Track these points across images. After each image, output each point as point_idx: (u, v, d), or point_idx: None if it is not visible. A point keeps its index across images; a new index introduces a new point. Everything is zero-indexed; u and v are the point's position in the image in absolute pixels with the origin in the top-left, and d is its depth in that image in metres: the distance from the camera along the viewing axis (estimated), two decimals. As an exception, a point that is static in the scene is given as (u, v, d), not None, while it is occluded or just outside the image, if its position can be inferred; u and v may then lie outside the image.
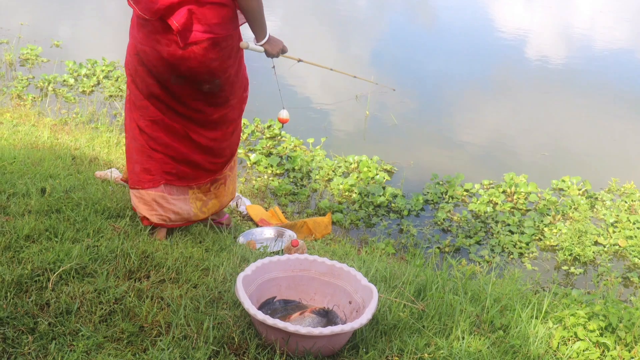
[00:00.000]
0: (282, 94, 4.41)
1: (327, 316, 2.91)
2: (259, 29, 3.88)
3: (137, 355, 2.58)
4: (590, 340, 3.19)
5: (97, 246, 3.24)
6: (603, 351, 3.19)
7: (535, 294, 3.93)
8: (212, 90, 3.88)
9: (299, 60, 4.37)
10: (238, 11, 3.78)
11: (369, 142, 7.35)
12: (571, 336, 3.22)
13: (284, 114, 4.34)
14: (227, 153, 4.10)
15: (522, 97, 9.16)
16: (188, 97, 3.89)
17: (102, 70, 8.32)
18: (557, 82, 9.74)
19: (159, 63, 3.77)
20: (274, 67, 4.25)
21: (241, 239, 4.23)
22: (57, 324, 2.67)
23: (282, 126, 5.41)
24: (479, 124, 8.25)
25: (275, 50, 3.98)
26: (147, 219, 3.80)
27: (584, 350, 3.15)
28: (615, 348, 3.17)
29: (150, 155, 3.86)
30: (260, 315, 2.62)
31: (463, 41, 11.30)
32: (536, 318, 3.25)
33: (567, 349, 3.13)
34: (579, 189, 6.59)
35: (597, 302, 3.40)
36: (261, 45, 3.92)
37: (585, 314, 3.28)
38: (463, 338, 2.96)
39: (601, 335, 3.22)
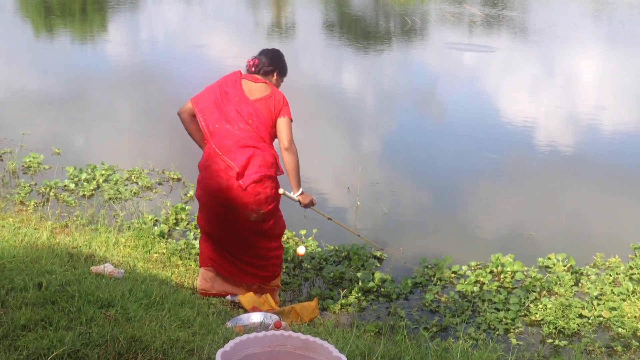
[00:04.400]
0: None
1: (303, 387, 3.11)
2: (293, 182, 5.20)
3: None
4: (557, 401, 3.36)
5: (89, 332, 3.45)
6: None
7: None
8: (257, 219, 5.07)
9: (329, 219, 6.01)
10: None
11: (360, 232, 7.60)
12: (539, 398, 3.39)
13: (302, 250, 5.74)
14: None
15: (516, 183, 9.47)
16: (233, 222, 5.10)
17: (102, 174, 8.65)
18: (554, 167, 10.04)
19: (218, 194, 5.02)
20: (305, 216, 5.72)
21: (229, 324, 4.44)
22: (50, 403, 2.88)
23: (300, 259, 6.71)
24: (469, 210, 8.51)
25: (306, 201, 5.31)
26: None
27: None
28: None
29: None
30: (237, 386, 2.82)
31: (469, 134, 11.51)
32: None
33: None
34: (564, 266, 6.78)
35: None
36: (297, 196, 5.24)
37: (552, 376, 3.46)
38: (433, 403, 3.15)
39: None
